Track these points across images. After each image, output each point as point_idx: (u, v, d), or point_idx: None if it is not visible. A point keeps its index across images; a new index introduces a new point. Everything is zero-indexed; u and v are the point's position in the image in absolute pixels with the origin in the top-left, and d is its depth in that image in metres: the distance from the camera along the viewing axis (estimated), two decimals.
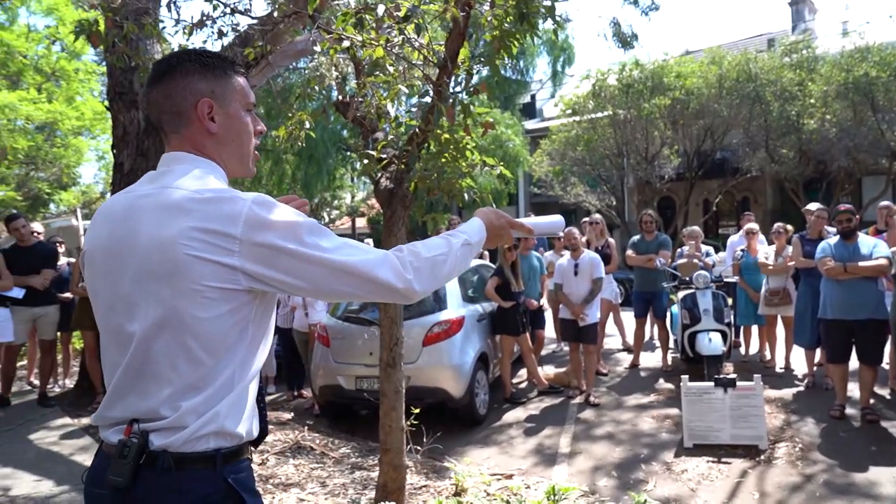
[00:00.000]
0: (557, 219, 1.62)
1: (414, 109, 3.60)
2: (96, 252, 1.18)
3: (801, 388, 5.67)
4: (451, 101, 2.98)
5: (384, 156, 3.29)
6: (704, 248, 6.90)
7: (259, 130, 1.31)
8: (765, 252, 6.28)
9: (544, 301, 6.59)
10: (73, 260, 6.43)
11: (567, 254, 6.16)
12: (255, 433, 1.22)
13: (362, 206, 28.03)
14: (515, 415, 5.56)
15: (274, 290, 1.14)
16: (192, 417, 1.10)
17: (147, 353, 1.10)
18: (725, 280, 6.27)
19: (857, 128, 13.49)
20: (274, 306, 1.25)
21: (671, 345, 6.85)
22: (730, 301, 6.28)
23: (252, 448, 1.25)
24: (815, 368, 5.76)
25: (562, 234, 7.57)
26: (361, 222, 29.42)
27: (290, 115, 4.28)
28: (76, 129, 13.89)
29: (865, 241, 4.75)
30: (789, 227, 6.44)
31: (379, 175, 3.40)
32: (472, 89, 3.04)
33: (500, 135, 17.40)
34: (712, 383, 4.46)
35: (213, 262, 1.07)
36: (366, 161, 3.32)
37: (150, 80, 1.24)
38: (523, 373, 6.72)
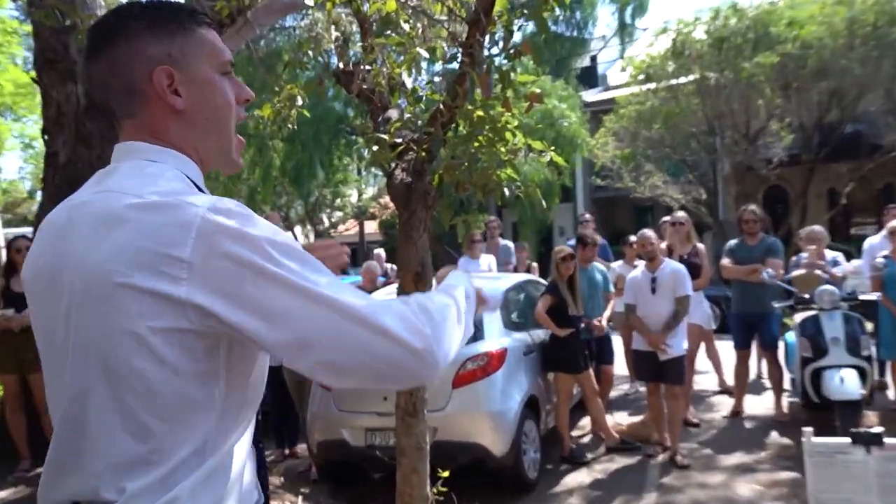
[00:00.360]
0: (496, 295, 1.57)
1: (438, 80, 3.64)
2: (34, 278, 1.18)
3: None
4: (485, 67, 3.01)
5: (399, 140, 3.33)
6: (830, 254, 6.82)
7: (244, 97, 1.28)
8: None
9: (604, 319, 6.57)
10: None
11: (641, 265, 6.12)
12: None
13: (372, 207, 28.30)
14: (577, 479, 5.53)
15: (232, 332, 1.05)
16: (143, 503, 1.03)
17: (82, 414, 1.06)
18: (862, 298, 6.15)
19: None
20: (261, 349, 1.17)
21: (786, 386, 6.74)
22: (869, 326, 6.16)
23: None
24: None
25: (633, 238, 7.54)
26: (371, 226, 29.67)
27: (277, 88, 4.36)
28: None
29: None
30: None
31: (393, 165, 3.44)
32: (512, 51, 3.06)
33: (552, 110, 17.41)
34: (848, 439, 4.35)
35: (153, 294, 1.01)
36: (375, 147, 3.36)
37: (87, 50, 1.20)
38: (586, 423, 6.67)
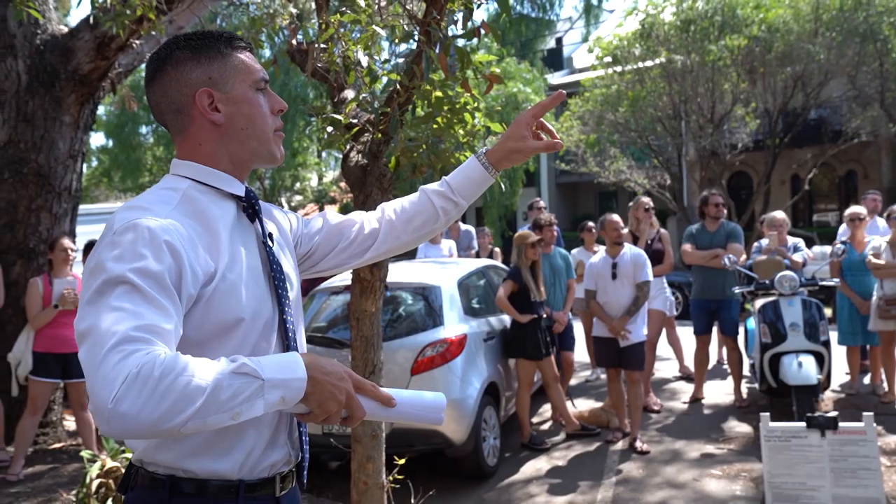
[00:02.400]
0: (437, 400, 1.46)
1: (401, 60, 3.62)
2: None
3: None
4: (444, 46, 3.00)
5: (355, 121, 3.31)
6: (792, 240, 6.92)
7: (278, 108, 1.51)
8: (875, 245, 6.29)
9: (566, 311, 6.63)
10: None
11: (601, 250, 6.18)
12: (251, 474, 1.42)
13: (333, 190, 28.10)
14: (536, 466, 5.60)
15: None
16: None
17: None
18: (821, 284, 6.29)
19: None
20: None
21: (746, 372, 6.88)
22: (828, 312, 6.29)
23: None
24: None
25: (591, 224, 7.59)
26: (332, 210, 29.46)
27: None
28: None
29: None
30: None
31: (348, 147, 3.42)
32: (471, 31, 3.05)
33: (517, 93, 17.45)
34: (804, 423, 4.47)
35: None
36: (331, 129, 3.34)
37: (146, 79, 1.49)
38: (546, 409, 6.75)
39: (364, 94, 3.37)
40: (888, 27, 14.14)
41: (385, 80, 3.54)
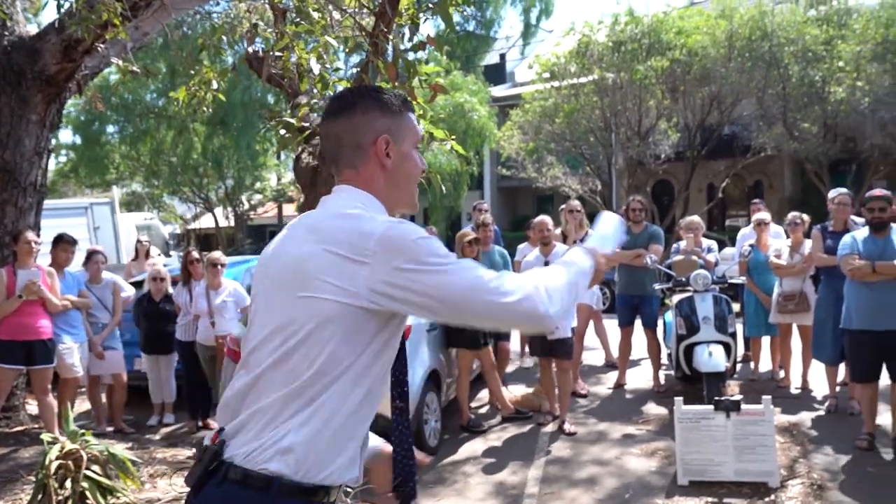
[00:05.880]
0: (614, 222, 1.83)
1: (355, 70, 3.58)
2: (258, 266, 1.59)
3: (821, 413, 5.86)
4: (392, 57, 2.97)
5: (306, 124, 3.27)
6: (706, 242, 7.04)
7: (422, 169, 1.65)
8: (777, 248, 6.46)
9: None
10: None
11: (536, 249, 6.21)
12: (346, 479, 1.44)
13: (291, 190, 27.70)
14: (473, 447, 5.60)
15: (402, 309, 1.39)
16: (266, 432, 1.34)
17: (258, 361, 1.40)
18: (730, 281, 6.43)
19: None
20: (398, 336, 1.48)
21: (663, 360, 7.00)
22: (735, 307, 6.44)
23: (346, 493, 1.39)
24: (837, 389, 5.96)
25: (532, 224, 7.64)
26: (290, 209, 29.06)
27: (192, 72, 4.19)
28: None
29: None
30: (805, 216, 6.64)
31: (300, 149, 3.38)
32: (417, 44, 3.04)
33: (463, 103, 17.46)
34: (712, 406, 4.57)
35: (336, 276, 1.34)
36: (284, 131, 3.29)
37: (328, 113, 1.58)
38: (484, 395, 6.77)
39: (315, 100, 3.33)
40: (789, 56, 14.59)
41: (337, 87, 3.49)
